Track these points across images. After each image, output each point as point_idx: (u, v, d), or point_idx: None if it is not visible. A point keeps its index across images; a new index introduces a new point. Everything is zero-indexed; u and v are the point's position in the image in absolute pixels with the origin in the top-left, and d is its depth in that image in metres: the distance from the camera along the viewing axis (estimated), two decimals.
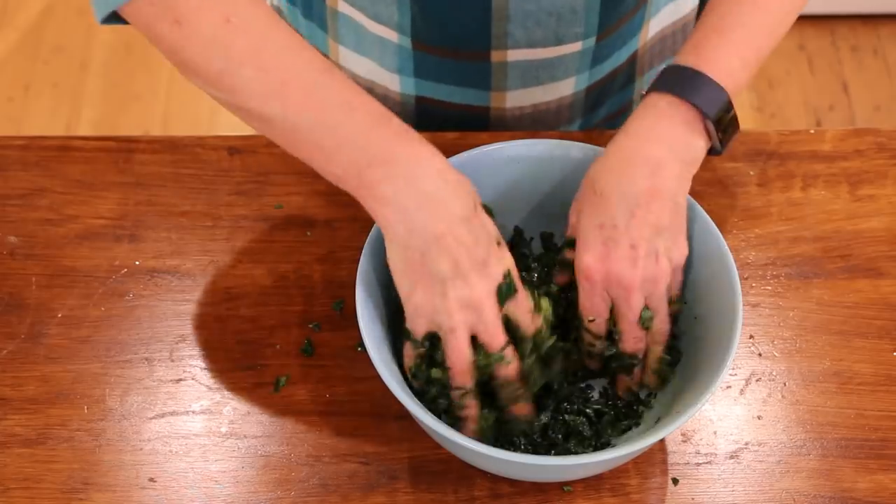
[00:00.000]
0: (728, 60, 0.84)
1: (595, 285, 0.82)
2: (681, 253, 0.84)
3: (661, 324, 0.85)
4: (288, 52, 0.77)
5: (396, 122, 0.79)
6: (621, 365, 0.87)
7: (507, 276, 0.80)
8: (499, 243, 0.81)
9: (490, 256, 0.79)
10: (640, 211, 0.81)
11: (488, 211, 0.83)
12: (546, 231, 0.96)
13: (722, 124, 0.84)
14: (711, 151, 0.87)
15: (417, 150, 0.78)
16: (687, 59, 0.85)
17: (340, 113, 0.77)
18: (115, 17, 0.79)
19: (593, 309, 0.84)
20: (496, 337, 0.80)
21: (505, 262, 0.81)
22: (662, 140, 0.83)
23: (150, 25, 0.77)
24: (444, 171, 0.79)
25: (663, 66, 1.12)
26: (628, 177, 0.82)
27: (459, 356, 0.80)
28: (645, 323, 0.84)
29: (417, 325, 0.81)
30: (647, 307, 0.83)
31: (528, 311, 0.82)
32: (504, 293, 0.80)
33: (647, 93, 0.86)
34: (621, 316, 0.83)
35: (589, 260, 0.82)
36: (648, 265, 0.82)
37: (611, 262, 0.81)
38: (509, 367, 0.81)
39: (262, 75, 0.76)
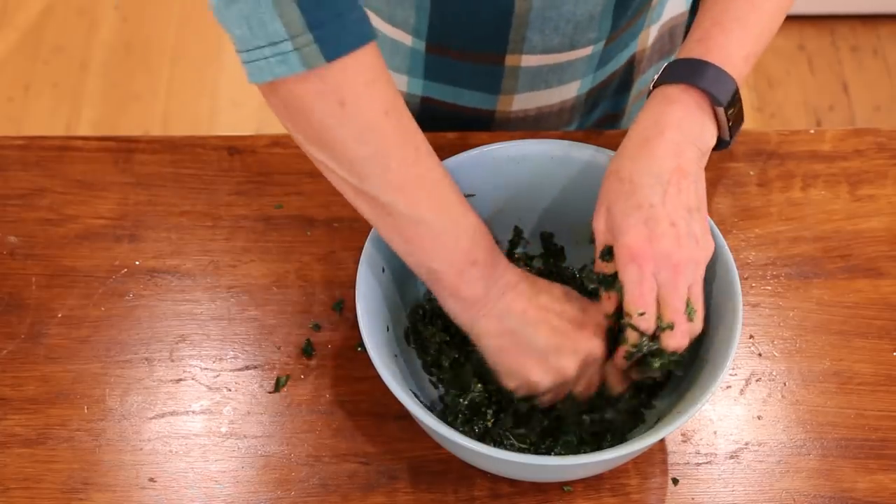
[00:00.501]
0: (732, 52, 0.85)
1: (644, 268, 0.79)
2: (710, 245, 0.83)
3: (699, 322, 0.82)
4: (421, 150, 0.80)
5: (464, 245, 0.82)
6: (662, 364, 0.82)
7: (619, 313, 0.83)
8: (584, 310, 0.85)
9: (585, 315, 0.84)
10: (672, 189, 0.80)
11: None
12: (546, 231, 0.96)
13: (731, 112, 0.84)
14: (718, 145, 0.86)
15: (511, 277, 0.84)
16: (692, 51, 0.85)
17: (457, 212, 0.82)
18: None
19: (643, 299, 0.80)
20: (586, 389, 0.87)
21: (600, 307, 0.85)
22: (678, 125, 0.82)
23: (306, 98, 0.77)
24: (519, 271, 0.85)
25: (652, 69, 1.13)
26: (653, 159, 0.81)
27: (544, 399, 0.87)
28: (690, 315, 0.81)
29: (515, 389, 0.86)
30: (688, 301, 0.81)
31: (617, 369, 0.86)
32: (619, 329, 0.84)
33: (654, 86, 0.86)
34: (668, 306, 0.80)
35: (633, 240, 0.79)
36: (690, 244, 0.80)
37: (656, 239, 0.79)
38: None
39: (402, 168, 0.79)
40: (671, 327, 0.80)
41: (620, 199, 0.81)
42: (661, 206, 0.80)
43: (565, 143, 0.91)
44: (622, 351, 0.82)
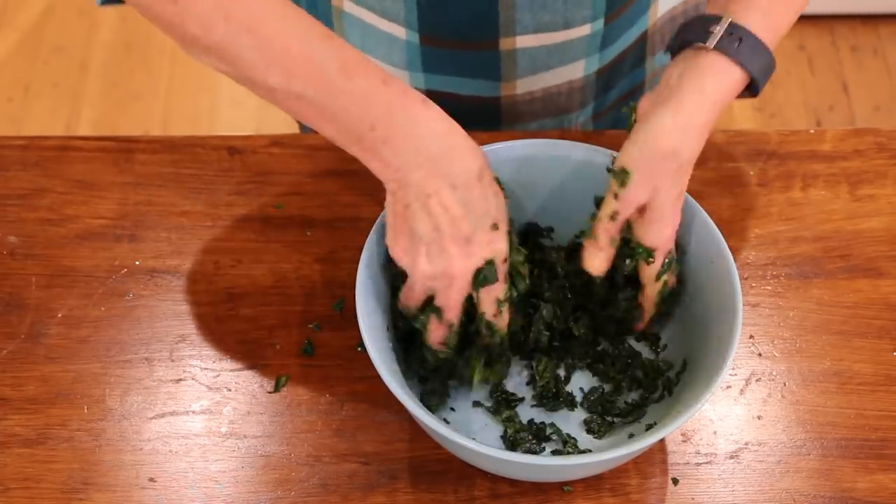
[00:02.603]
0: (783, 32, 0.84)
1: (667, 253, 0.85)
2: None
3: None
4: (285, 20, 0.77)
5: (397, 83, 0.79)
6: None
7: (490, 263, 0.80)
8: (496, 226, 0.80)
9: (477, 234, 0.79)
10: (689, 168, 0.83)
11: (504, 191, 0.82)
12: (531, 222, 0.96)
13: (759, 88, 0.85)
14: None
15: (418, 111, 0.78)
16: (760, 26, 0.83)
17: (340, 78, 0.77)
18: None
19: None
20: (451, 314, 0.83)
21: (494, 247, 0.80)
22: (721, 104, 0.82)
23: (149, 5, 0.79)
24: (449, 134, 0.79)
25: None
26: (700, 143, 0.82)
27: (405, 301, 0.84)
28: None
29: (396, 262, 0.83)
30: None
31: (494, 304, 0.83)
32: (480, 280, 0.80)
33: (719, 48, 0.82)
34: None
35: (671, 232, 0.84)
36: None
37: (677, 221, 0.84)
38: (447, 339, 0.85)
39: (262, 44, 0.76)
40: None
41: (672, 186, 0.82)
42: (685, 184, 0.83)
43: (566, 142, 0.91)
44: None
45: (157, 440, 0.90)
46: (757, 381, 0.94)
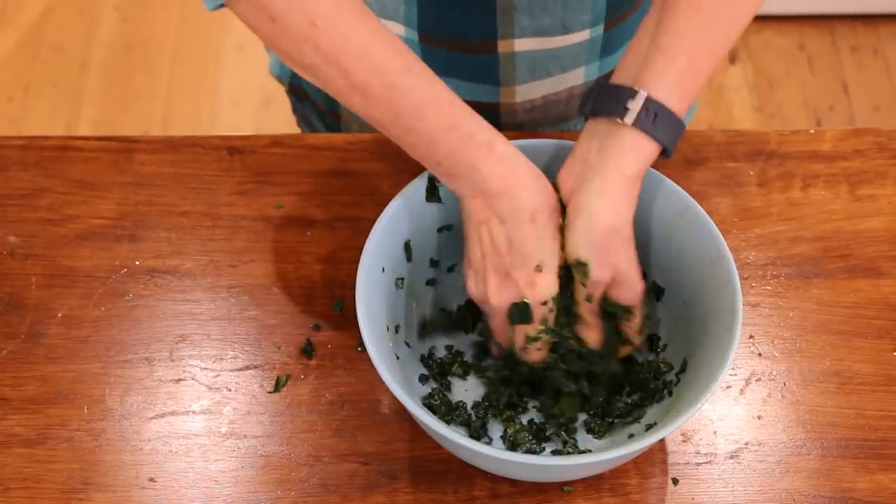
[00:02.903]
0: (691, 92, 0.84)
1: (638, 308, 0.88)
2: None
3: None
4: (368, 54, 0.81)
5: (468, 125, 0.83)
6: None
7: (525, 305, 0.83)
8: (539, 268, 0.83)
9: (516, 272, 0.83)
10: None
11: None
12: None
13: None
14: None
15: (479, 155, 0.82)
16: (674, 98, 0.82)
17: (411, 118, 0.82)
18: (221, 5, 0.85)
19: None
20: (495, 336, 0.87)
21: (534, 290, 0.83)
22: (637, 177, 0.83)
23: (249, 19, 0.83)
24: (508, 175, 0.82)
25: None
26: (629, 214, 0.84)
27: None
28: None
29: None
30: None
31: (523, 339, 0.85)
32: (513, 315, 0.84)
33: (637, 125, 0.82)
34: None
35: (639, 289, 0.86)
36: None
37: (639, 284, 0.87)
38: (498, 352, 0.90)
39: (346, 75, 0.81)
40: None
41: (626, 256, 0.83)
42: (632, 244, 0.85)
43: (566, 142, 0.91)
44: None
45: (157, 440, 0.90)
46: (757, 381, 0.94)
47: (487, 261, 0.84)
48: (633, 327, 0.87)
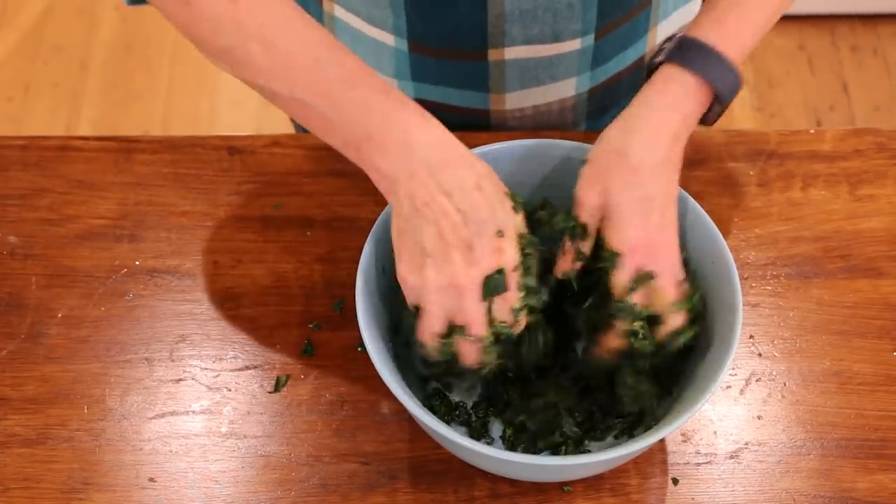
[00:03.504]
0: (746, 42, 0.84)
1: (636, 259, 0.80)
2: (677, 227, 0.84)
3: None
4: (293, 29, 0.79)
5: (396, 94, 0.79)
6: (678, 339, 0.83)
7: (499, 271, 0.78)
8: (501, 233, 0.78)
9: (480, 240, 0.77)
10: (667, 179, 0.81)
11: (515, 203, 0.80)
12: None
13: (725, 105, 0.85)
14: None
15: (415, 122, 0.79)
16: (709, 34, 0.83)
17: (342, 87, 0.78)
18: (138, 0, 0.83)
19: (627, 292, 0.81)
20: (476, 327, 0.79)
21: (502, 256, 0.78)
22: (685, 116, 0.82)
23: (164, 6, 0.80)
24: (444, 145, 0.79)
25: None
26: (658, 149, 0.81)
27: (427, 337, 0.80)
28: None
29: (406, 296, 0.80)
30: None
31: (509, 310, 0.79)
32: (490, 288, 0.78)
33: (667, 61, 0.84)
34: (663, 288, 0.81)
35: (635, 234, 0.80)
36: (670, 232, 0.82)
37: (649, 231, 0.80)
38: (483, 356, 0.81)
39: (268, 51, 0.78)
40: (674, 305, 0.81)
41: (625, 188, 0.80)
42: (659, 198, 0.80)
43: (566, 143, 0.91)
44: (616, 338, 0.82)
45: (157, 440, 0.90)
46: (757, 381, 0.94)
47: (447, 239, 0.76)
48: (616, 286, 0.80)
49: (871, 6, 2.43)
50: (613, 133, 0.82)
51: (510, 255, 0.78)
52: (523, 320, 0.81)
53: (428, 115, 0.80)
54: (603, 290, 0.82)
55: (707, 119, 0.86)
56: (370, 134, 0.78)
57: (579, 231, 0.82)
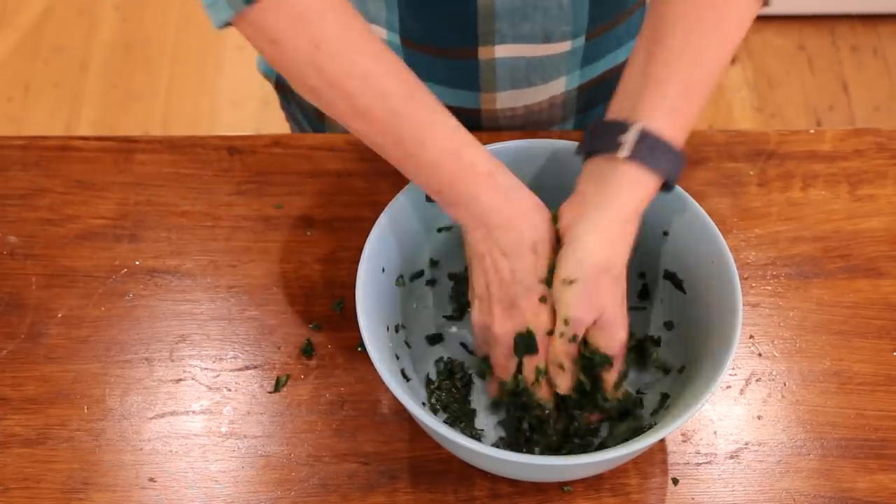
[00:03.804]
0: (688, 120, 0.83)
1: (622, 355, 0.86)
2: None
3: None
4: (372, 79, 0.81)
5: (467, 153, 0.82)
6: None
7: (530, 334, 0.82)
8: (544, 299, 0.82)
9: (521, 301, 0.82)
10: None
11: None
12: None
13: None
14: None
15: (481, 184, 0.82)
16: (665, 128, 0.81)
17: (413, 145, 0.82)
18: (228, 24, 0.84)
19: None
20: (497, 371, 0.86)
21: (539, 318, 0.82)
22: (635, 212, 0.82)
23: (251, 39, 0.83)
24: (508, 207, 0.82)
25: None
26: (625, 247, 0.82)
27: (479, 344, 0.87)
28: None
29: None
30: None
31: (534, 369, 0.84)
32: (521, 347, 0.83)
33: (633, 158, 0.80)
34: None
35: (623, 335, 0.83)
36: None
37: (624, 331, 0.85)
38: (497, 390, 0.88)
39: (347, 99, 0.81)
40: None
41: (615, 299, 0.82)
42: (623, 285, 0.83)
43: (566, 142, 0.91)
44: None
45: (157, 440, 0.90)
46: (757, 381, 0.94)
47: (492, 290, 0.83)
48: (608, 380, 0.84)
49: (871, 6, 2.43)
50: (594, 247, 0.81)
51: (544, 322, 0.83)
52: (546, 387, 0.85)
53: (498, 171, 0.83)
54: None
55: None
56: (440, 189, 0.82)
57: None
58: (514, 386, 0.85)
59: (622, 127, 0.81)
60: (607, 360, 0.83)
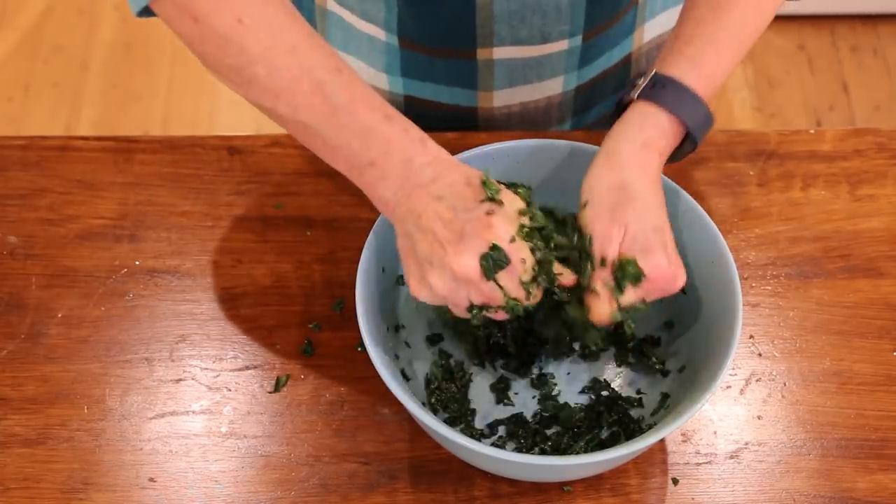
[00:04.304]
0: (718, 79, 0.84)
1: (657, 287, 0.80)
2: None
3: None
4: (298, 51, 0.79)
5: (398, 119, 0.80)
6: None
7: (494, 248, 0.76)
8: (490, 212, 0.77)
9: (468, 225, 0.76)
10: (663, 213, 0.82)
11: (517, 189, 0.80)
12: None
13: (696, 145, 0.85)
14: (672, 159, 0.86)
15: (416, 149, 0.79)
16: (685, 73, 0.83)
17: (345, 113, 0.79)
18: (147, 11, 0.84)
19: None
20: (495, 304, 0.78)
21: (491, 231, 0.76)
22: (659, 152, 0.82)
23: (172, 20, 0.81)
24: (439, 160, 0.79)
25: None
26: (649, 183, 0.81)
27: (460, 316, 0.81)
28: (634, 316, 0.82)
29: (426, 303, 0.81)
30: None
31: (518, 284, 0.78)
32: (489, 268, 0.76)
33: (643, 98, 0.83)
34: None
35: (659, 261, 0.79)
36: (679, 268, 0.82)
37: (671, 262, 0.80)
38: (511, 314, 0.80)
39: (272, 74, 0.78)
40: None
41: (640, 219, 0.80)
42: (666, 231, 0.80)
43: (566, 143, 0.91)
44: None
45: (157, 440, 0.90)
46: (757, 381, 0.94)
47: (440, 237, 0.76)
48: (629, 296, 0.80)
49: (871, 6, 2.43)
50: (604, 171, 0.81)
51: (502, 230, 0.77)
52: (537, 292, 0.79)
53: (428, 139, 0.80)
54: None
55: (674, 157, 0.85)
56: (372, 160, 0.79)
57: (585, 258, 0.81)
58: (519, 312, 0.79)
59: (642, 75, 0.83)
60: (637, 275, 0.79)
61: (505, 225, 0.77)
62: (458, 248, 0.76)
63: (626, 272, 0.79)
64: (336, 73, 0.79)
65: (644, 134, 0.81)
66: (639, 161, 0.81)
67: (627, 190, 0.80)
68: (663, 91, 0.82)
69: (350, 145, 0.79)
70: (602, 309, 0.80)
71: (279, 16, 0.79)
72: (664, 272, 0.79)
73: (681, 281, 0.80)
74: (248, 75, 0.79)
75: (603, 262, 0.79)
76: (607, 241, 0.79)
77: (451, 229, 0.77)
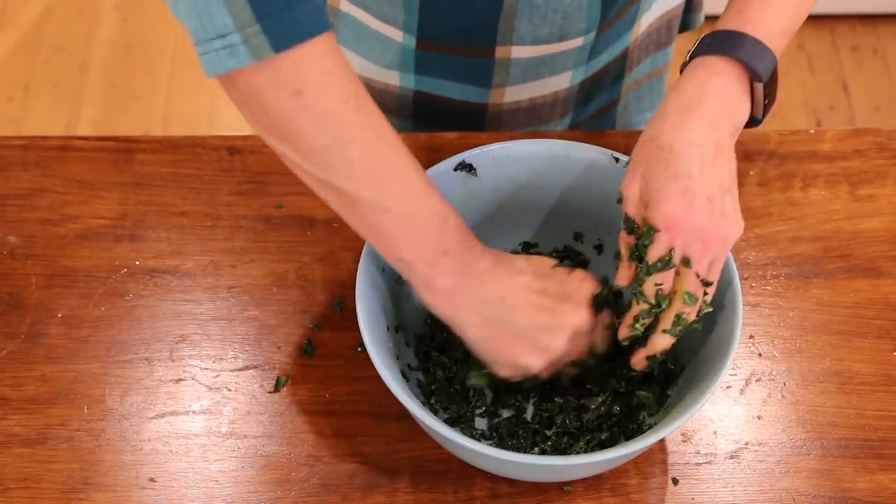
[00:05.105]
0: (771, 25, 0.83)
1: (675, 238, 0.78)
2: (740, 224, 0.81)
3: (709, 298, 0.81)
4: (386, 135, 0.79)
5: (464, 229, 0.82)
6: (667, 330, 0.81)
7: (597, 296, 0.84)
8: (571, 271, 0.84)
9: (566, 286, 0.82)
10: (709, 163, 0.79)
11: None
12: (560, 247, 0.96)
13: (768, 89, 0.83)
14: (749, 123, 0.84)
15: (471, 237, 0.82)
16: (731, 22, 0.83)
17: (426, 197, 0.80)
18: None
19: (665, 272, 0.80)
20: (604, 343, 0.86)
21: (589, 281, 0.84)
22: (719, 97, 0.81)
23: (262, 90, 0.78)
24: (487, 250, 0.83)
25: (648, 59, 1.12)
26: (693, 129, 0.79)
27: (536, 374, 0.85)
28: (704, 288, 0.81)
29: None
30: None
31: (603, 329, 0.85)
32: (599, 302, 0.84)
33: (692, 56, 0.83)
34: (688, 276, 0.79)
35: (670, 210, 0.77)
36: (724, 221, 0.79)
37: (692, 211, 0.78)
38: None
39: (365, 156, 0.78)
40: (688, 297, 0.79)
41: (659, 166, 0.79)
42: (700, 179, 0.78)
43: (566, 143, 0.91)
44: (628, 319, 0.81)
45: (157, 440, 0.90)
46: (757, 381, 0.94)
47: (542, 303, 0.81)
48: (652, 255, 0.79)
49: (871, 6, 2.43)
50: (647, 122, 0.83)
51: (592, 283, 0.84)
52: (608, 338, 0.86)
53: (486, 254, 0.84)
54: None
55: (754, 109, 0.84)
56: (446, 249, 0.80)
57: (630, 224, 0.81)
58: (643, 318, 0.81)
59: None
60: (645, 239, 0.79)
61: (591, 278, 0.84)
62: (569, 305, 0.82)
63: (679, 319, 0.80)
64: (412, 162, 0.80)
65: (700, 80, 0.80)
66: (679, 106, 0.80)
67: (656, 139, 0.79)
68: (713, 41, 0.82)
69: (428, 231, 0.80)
70: (624, 274, 0.83)
71: (372, 102, 0.79)
72: (675, 220, 0.77)
73: (731, 231, 0.79)
74: (339, 154, 0.77)
75: (635, 252, 0.81)
76: (626, 200, 0.80)
77: (550, 295, 0.81)
